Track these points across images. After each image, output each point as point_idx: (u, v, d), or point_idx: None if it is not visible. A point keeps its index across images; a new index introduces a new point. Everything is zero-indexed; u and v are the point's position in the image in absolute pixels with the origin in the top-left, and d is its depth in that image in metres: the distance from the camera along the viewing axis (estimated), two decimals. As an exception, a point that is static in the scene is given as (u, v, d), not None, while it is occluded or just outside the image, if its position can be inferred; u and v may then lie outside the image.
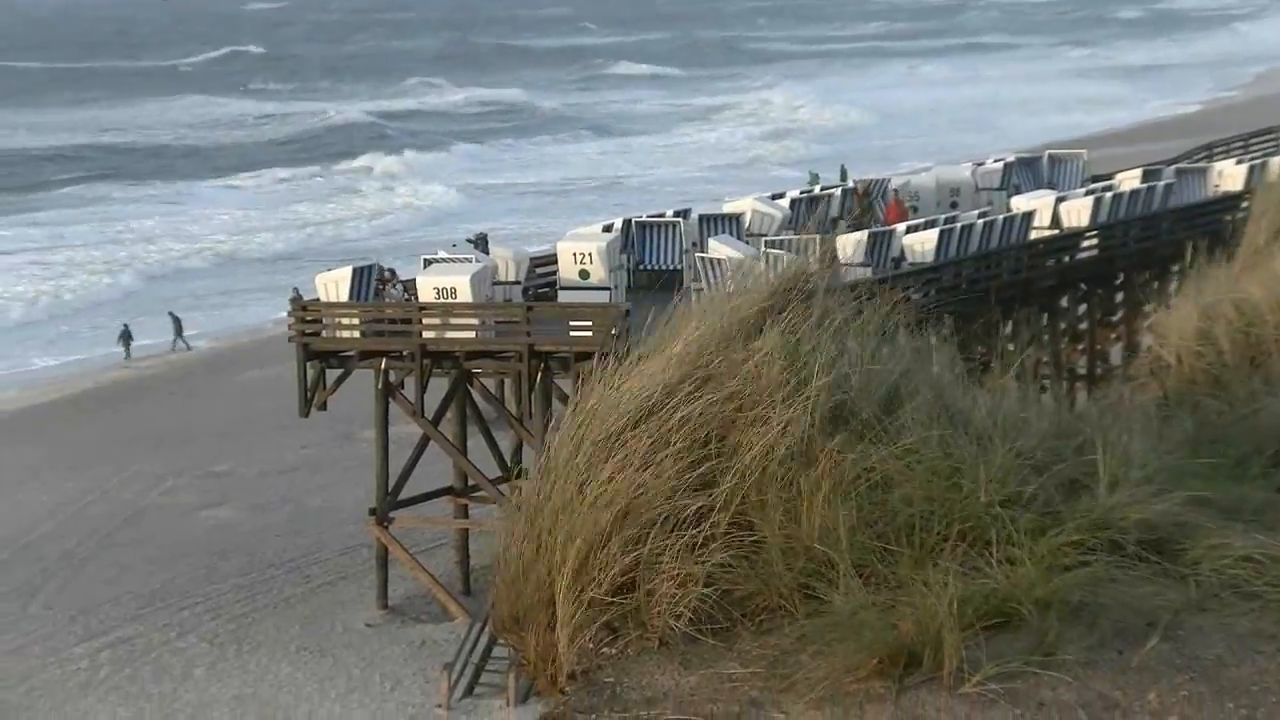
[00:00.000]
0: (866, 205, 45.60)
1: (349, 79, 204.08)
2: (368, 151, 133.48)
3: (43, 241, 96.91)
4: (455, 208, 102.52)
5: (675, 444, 9.58)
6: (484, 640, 35.71)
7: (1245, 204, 38.31)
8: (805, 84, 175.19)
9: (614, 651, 8.96)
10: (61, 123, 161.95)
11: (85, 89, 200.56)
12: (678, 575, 9.10)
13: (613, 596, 9.12)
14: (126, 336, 67.42)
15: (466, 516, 42.18)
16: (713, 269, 37.78)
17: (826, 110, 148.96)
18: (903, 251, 42.54)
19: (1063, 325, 49.77)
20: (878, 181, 52.97)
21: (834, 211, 48.51)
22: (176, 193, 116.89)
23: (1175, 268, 47.63)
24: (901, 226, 44.61)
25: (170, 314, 69.75)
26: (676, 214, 47.28)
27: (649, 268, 44.90)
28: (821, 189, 52.50)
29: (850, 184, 53.41)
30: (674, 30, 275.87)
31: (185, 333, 69.97)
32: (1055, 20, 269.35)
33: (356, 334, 39.94)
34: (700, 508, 9.36)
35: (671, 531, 9.24)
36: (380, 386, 40.36)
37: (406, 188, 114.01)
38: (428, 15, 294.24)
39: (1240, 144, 64.60)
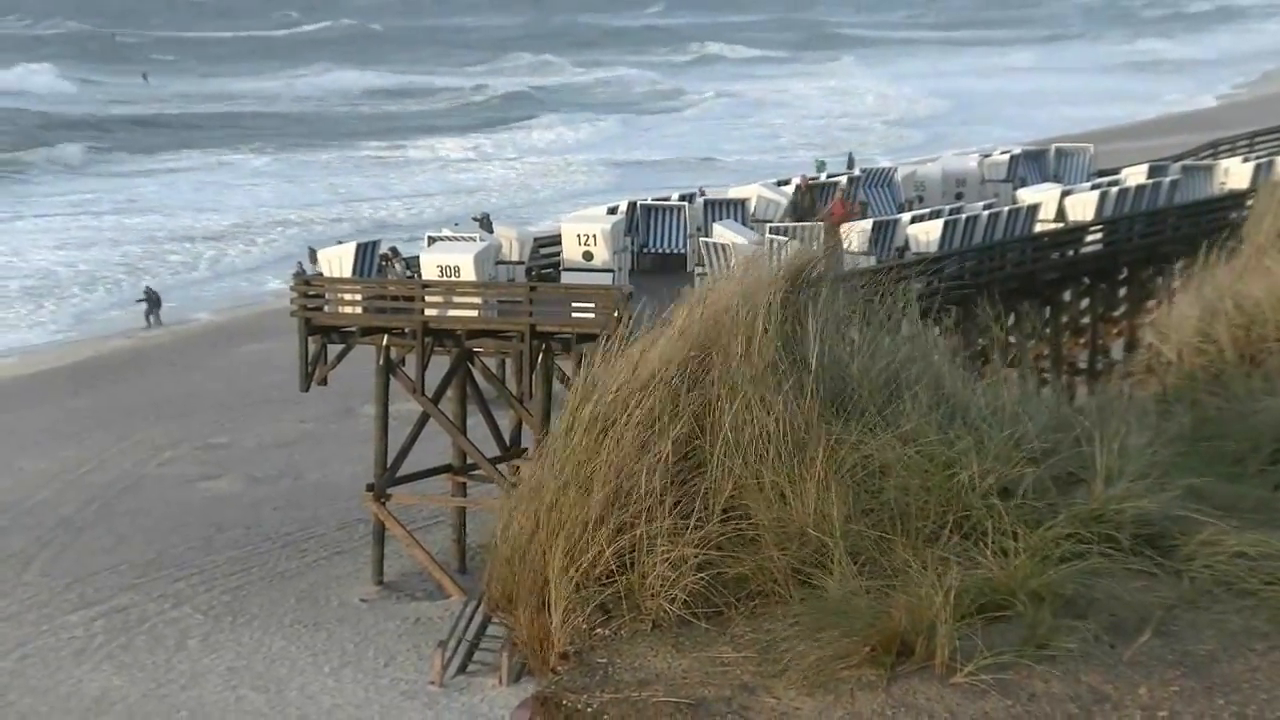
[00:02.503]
0: (810, 201, 45.43)
1: (459, 54, 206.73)
2: (523, 121, 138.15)
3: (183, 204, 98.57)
4: (606, 182, 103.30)
5: (670, 425, 9.58)
6: (478, 618, 35.80)
7: (1250, 203, 38.32)
8: (891, 68, 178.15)
9: (607, 633, 8.97)
10: (189, 91, 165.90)
11: (199, 58, 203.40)
12: (671, 558, 9.10)
13: (606, 578, 9.13)
14: (153, 302, 67.46)
15: (464, 495, 42.27)
16: (717, 254, 37.81)
17: (914, 95, 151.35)
18: (907, 241, 42.56)
19: (1064, 319, 49.79)
20: (884, 170, 53.00)
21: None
22: (338, 159, 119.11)
23: (1178, 264, 47.69)
24: (906, 216, 44.65)
25: (146, 289, 69.52)
26: (682, 198, 47.32)
27: (653, 251, 44.92)
28: (828, 176, 52.52)
29: (856, 171, 53.49)
30: (757, 13, 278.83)
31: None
32: (1122, 12, 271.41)
33: (359, 310, 39.99)
34: (694, 490, 9.36)
35: (666, 514, 9.24)
36: (381, 363, 40.43)
37: (559, 159, 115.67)
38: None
39: (1246, 142, 64.56)
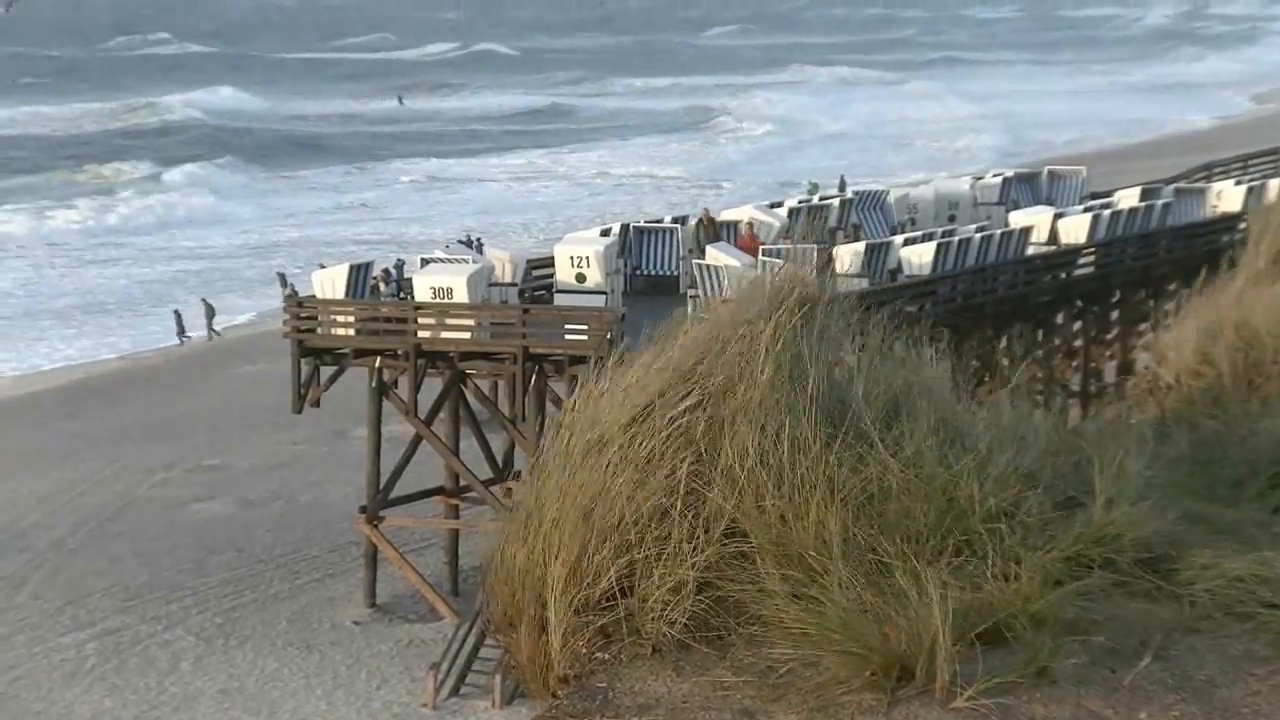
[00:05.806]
0: (712, 235, 45.13)
1: (596, 74, 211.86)
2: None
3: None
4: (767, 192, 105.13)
5: (669, 448, 9.55)
6: (471, 641, 35.69)
7: (1243, 226, 38.33)
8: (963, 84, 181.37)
9: (607, 656, 8.94)
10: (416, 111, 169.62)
11: (378, 79, 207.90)
12: (671, 581, 9.07)
13: (606, 601, 9.10)
14: (210, 312, 67.95)
15: (457, 517, 42.16)
16: (710, 276, 37.79)
17: (969, 114, 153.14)
18: (900, 263, 42.53)
19: (1057, 341, 49.77)
20: (876, 192, 52.92)
21: (831, 222, 48.51)
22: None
23: (1171, 287, 47.72)
24: (899, 238, 44.61)
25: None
26: (674, 220, 47.31)
27: (646, 273, 44.90)
28: (820, 199, 52.50)
29: (849, 194, 53.47)
30: (837, 35, 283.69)
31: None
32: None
33: (352, 331, 39.90)
34: (695, 513, 9.33)
35: (665, 537, 9.21)
36: (374, 385, 40.33)
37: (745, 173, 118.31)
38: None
39: (1239, 165, 64.61)
